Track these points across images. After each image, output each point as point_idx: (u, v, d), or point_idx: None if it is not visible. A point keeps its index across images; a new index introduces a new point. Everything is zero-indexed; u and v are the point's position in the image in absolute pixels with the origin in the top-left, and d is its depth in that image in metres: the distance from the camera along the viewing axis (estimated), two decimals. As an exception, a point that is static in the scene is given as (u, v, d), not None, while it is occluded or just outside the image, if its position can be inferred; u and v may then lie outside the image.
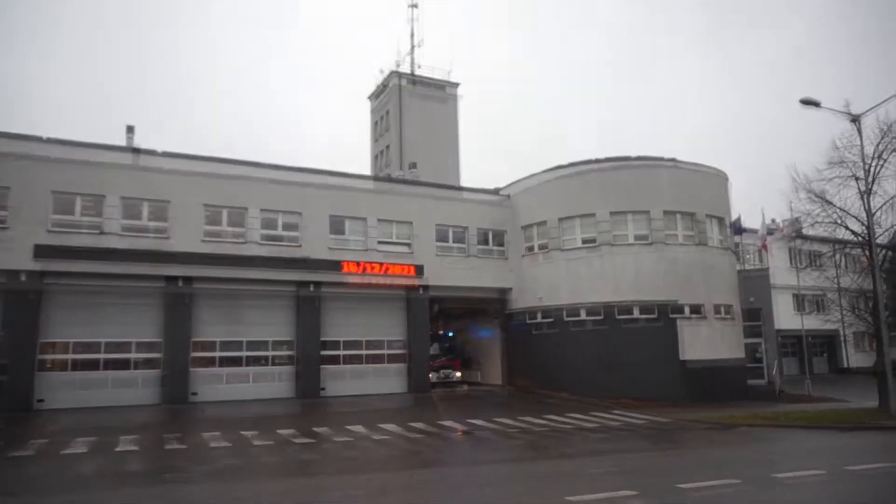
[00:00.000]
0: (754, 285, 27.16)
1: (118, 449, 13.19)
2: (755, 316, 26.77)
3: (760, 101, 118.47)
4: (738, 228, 27.26)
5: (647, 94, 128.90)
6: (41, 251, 19.74)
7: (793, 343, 41.05)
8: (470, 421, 17.95)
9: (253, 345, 23.36)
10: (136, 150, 22.59)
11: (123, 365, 21.20)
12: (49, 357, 20.42)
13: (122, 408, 20.04)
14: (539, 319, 26.73)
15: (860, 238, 22.35)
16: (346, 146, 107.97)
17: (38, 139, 20.43)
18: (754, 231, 30.87)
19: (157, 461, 12.18)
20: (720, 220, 26.25)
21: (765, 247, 28.03)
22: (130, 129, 25.13)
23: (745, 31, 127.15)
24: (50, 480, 10.46)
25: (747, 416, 19.07)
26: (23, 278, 19.70)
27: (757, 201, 54.74)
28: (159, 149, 22.46)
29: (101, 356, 20.90)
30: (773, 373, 26.00)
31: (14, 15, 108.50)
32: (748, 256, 31.46)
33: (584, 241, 25.46)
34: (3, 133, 20.10)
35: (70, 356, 20.66)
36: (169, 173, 21.97)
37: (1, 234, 19.47)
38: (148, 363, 21.55)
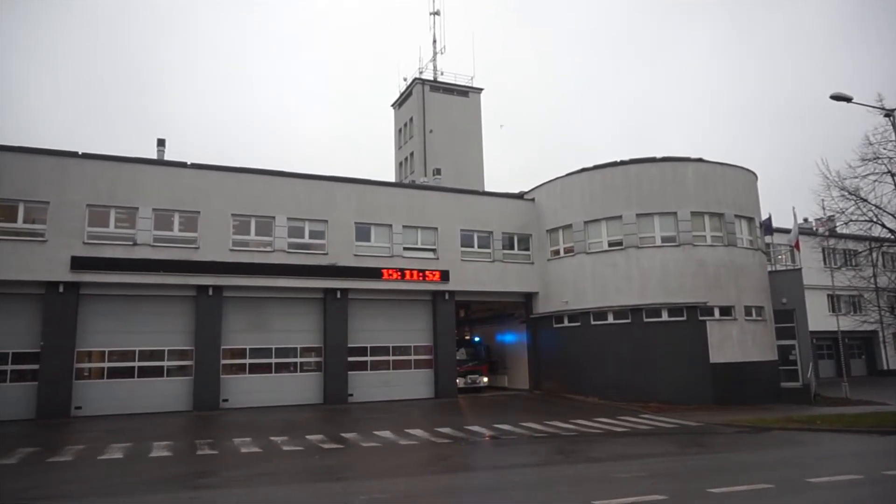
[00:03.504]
0: (786, 285, 26.55)
1: (152, 454, 13.53)
2: (788, 317, 26.16)
3: (786, 87, 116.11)
4: (768, 228, 26.73)
5: (669, 82, 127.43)
6: (77, 263, 20.35)
7: (828, 345, 40.08)
8: (497, 425, 17.93)
9: (281, 351, 23.71)
10: (167, 163, 23.19)
11: (157, 372, 21.70)
12: (86, 366, 21.06)
13: (155, 414, 20.52)
14: (566, 323, 26.58)
15: (897, 236, 21.71)
16: (370, 154, 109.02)
17: (74, 154, 21.10)
18: (786, 230, 30.22)
19: (189, 466, 12.45)
20: (749, 220, 25.79)
21: (797, 246, 27.42)
22: (161, 143, 25.80)
23: (771, 10, 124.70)
24: (87, 485, 10.78)
25: (780, 420, 18.68)
26: (60, 289, 20.37)
27: (787, 197, 53.52)
28: (189, 160, 23.00)
29: (136, 364, 21.43)
30: (808, 375, 25.37)
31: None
32: (780, 256, 30.74)
33: (611, 244, 25.24)
34: (41, 150, 20.81)
35: (106, 364, 21.23)
36: (198, 184, 22.47)
37: (40, 247, 20.14)
38: (180, 370, 22.04)
